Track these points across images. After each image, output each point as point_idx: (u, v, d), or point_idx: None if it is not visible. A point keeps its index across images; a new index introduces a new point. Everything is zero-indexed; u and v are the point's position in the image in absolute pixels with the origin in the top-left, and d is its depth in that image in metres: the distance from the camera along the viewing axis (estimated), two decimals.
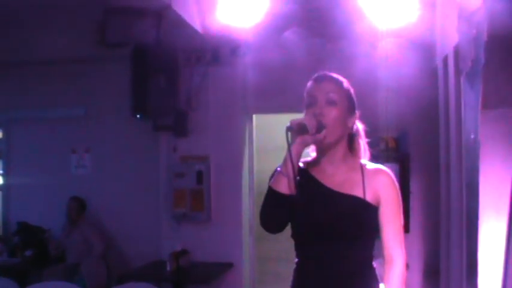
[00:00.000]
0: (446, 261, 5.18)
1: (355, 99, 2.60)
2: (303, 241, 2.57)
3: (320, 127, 2.42)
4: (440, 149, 5.49)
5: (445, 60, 4.92)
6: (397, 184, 2.56)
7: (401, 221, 2.53)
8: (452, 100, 4.61)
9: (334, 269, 2.46)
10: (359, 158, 2.64)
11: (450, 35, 4.50)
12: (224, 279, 6.60)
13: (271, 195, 2.46)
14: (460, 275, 4.13)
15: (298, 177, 2.44)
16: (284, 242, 7.81)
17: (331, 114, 2.47)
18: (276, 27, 6.07)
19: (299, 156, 2.46)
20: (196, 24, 6.09)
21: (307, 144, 2.48)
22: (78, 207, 7.18)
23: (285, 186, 2.43)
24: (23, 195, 7.75)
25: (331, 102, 2.48)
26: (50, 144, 7.66)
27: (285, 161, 2.43)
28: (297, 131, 2.41)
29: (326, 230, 2.47)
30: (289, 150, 2.41)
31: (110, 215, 7.35)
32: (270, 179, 2.52)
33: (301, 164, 2.57)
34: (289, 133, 2.42)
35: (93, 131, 7.51)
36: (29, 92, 7.66)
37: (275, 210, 2.48)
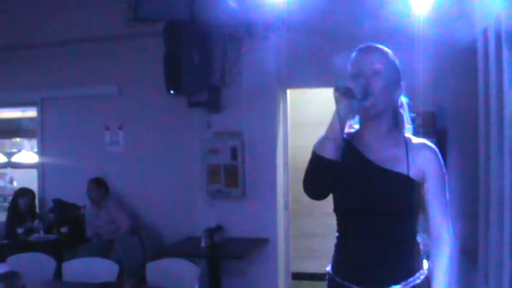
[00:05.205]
0: (484, 240, 5.08)
1: (400, 70, 2.53)
2: (344, 216, 2.53)
3: (367, 94, 2.36)
4: (479, 123, 5.37)
5: (485, 31, 4.79)
6: (441, 159, 2.49)
7: (447, 197, 2.47)
8: (492, 73, 4.48)
9: (377, 244, 2.41)
10: (403, 132, 2.57)
11: (491, 6, 4.38)
12: (259, 255, 6.60)
13: (316, 160, 2.38)
14: (500, 254, 4.04)
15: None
16: (319, 218, 7.87)
17: (378, 84, 2.40)
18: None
19: (345, 120, 2.37)
20: None
21: (352, 110, 2.39)
22: (98, 188, 7.22)
23: (330, 151, 2.33)
24: (58, 173, 7.85)
25: (377, 73, 2.42)
26: (83, 122, 7.71)
27: (331, 124, 2.35)
28: (343, 94, 2.32)
29: (368, 206, 2.41)
30: (337, 112, 2.33)
31: (144, 192, 7.36)
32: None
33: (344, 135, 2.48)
34: (336, 94, 2.33)
35: (127, 108, 7.52)
36: (62, 70, 7.71)
37: (319, 176, 2.40)
